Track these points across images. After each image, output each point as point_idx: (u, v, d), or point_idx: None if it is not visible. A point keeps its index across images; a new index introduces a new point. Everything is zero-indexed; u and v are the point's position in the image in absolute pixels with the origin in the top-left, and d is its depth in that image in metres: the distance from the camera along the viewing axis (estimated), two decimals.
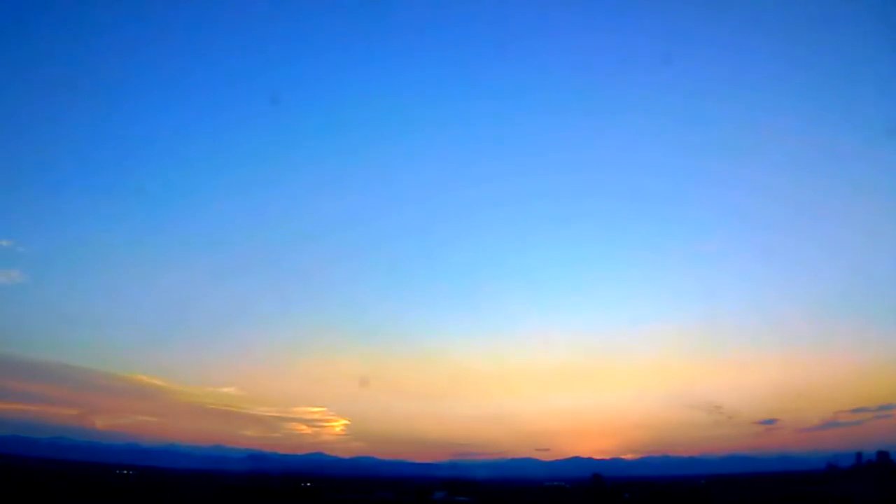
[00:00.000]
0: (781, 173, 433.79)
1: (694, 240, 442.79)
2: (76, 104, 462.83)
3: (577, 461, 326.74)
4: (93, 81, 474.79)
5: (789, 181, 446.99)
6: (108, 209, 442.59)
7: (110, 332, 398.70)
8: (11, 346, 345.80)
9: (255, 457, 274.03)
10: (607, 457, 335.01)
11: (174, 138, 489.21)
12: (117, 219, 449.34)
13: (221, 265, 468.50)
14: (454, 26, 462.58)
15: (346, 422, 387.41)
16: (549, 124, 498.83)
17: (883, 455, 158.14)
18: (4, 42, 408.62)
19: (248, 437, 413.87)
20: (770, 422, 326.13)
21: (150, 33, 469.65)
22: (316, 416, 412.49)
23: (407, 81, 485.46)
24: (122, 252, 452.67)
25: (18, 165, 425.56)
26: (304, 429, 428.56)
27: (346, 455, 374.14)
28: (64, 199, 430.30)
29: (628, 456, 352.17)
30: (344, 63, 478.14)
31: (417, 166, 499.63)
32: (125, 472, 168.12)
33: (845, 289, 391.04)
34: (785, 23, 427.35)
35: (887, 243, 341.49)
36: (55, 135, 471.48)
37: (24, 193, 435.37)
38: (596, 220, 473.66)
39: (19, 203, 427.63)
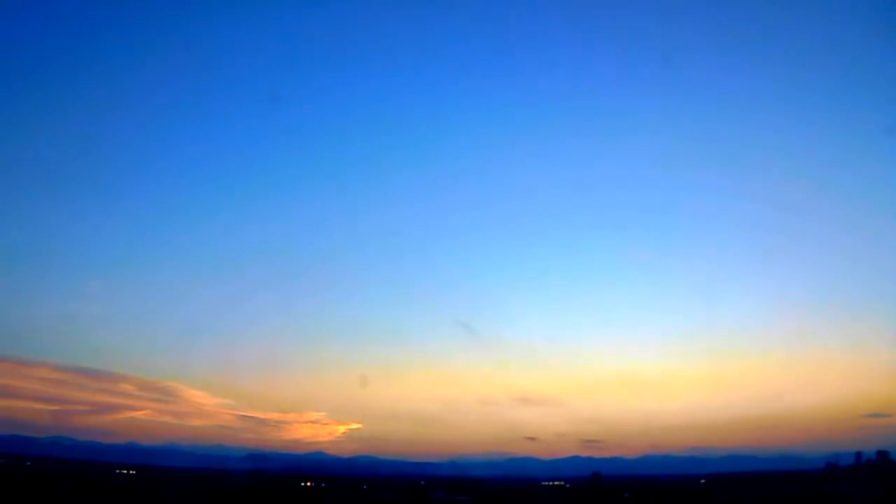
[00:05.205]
0: (783, 175, 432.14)
1: (693, 245, 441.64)
2: (74, 103, 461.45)
3: (576, 460, 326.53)
4: (94, 84, 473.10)
5: (791, 182, 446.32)
6: (106, 208, 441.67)
7: (110, 332, 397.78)
8: (14, 345, 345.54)
9: (255, 457, 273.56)
10: (607, 455, 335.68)
11: (177, 140, 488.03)
12: (116, 218, 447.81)
13: (226, 269, 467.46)
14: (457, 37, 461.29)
15: (347, 423, 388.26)
16: (554, 133, 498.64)
17: (883, 455, 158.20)
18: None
19: (248, 437, 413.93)
20: None
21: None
22: (316, 417, 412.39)
23: (407, 95, 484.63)
24: (119, 252, 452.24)
25: (17, 161, 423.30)
26: (304, 429, 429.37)
27: (346, 455, 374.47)
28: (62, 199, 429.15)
29: (628, 455, 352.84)
30: (351, 76, 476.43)
31: (419, 174, 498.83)
32: (125, 472, 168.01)
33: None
34: (784, 22, 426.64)
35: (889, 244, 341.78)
36: (53, 136, 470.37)
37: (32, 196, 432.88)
38: (593, 229, 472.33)
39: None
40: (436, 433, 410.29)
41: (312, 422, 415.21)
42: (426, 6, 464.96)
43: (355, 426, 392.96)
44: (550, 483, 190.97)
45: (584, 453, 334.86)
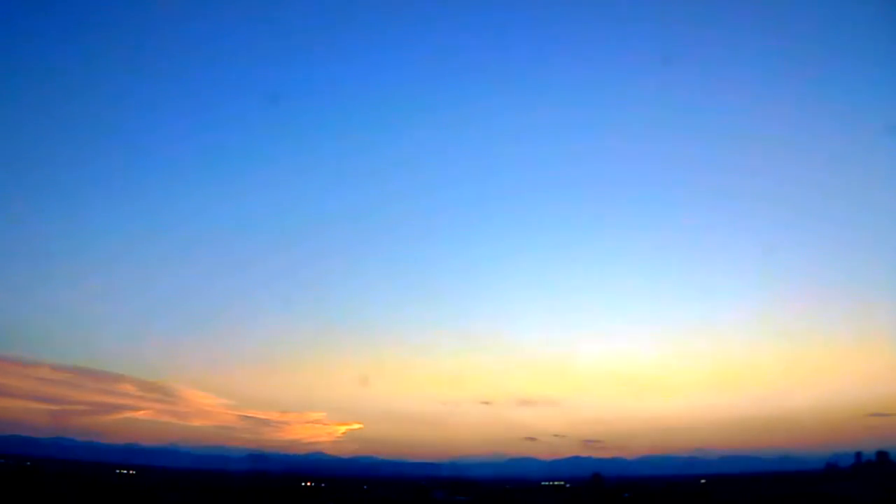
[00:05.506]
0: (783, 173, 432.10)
1: (694, 244, 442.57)
2: (73, 103, 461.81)
3: (576, 460, 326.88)
4: (87, 78, 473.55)
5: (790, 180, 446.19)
6: (106, 207, 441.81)
7: (109, 332, 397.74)
8: (14, 345, 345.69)
9: (255, 457, 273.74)
10: (607, 456, 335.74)
11: (173, 137, 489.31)
12: (115, 217, 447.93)
13: (222, 265, 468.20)
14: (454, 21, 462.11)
15: (348, 423, 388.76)
16: (554, 132, 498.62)
17: (882, 455, 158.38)
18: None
19: (248, 438, 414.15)
20: None
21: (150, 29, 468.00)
22: (316, 417, 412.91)
23: (406, 79, 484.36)
24: (118, 251, 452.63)
25: (15, 160, 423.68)
26: (304, 429, 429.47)
27: (346, 455, 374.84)
28: (63, 199, 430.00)
29: (628, 455, 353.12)
30: (342, 58, 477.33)
31: (420, 165, 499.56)
32: (125, 472, 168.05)
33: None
34: (784, 21, 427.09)
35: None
36: (53, 136, 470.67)
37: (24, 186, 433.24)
38: (593, 229, 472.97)
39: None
40: (436, 433, 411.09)
41: (312, 422, 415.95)
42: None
43: (355, 426, 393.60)
44: (550, 483, 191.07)
45: (584, 453, 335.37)
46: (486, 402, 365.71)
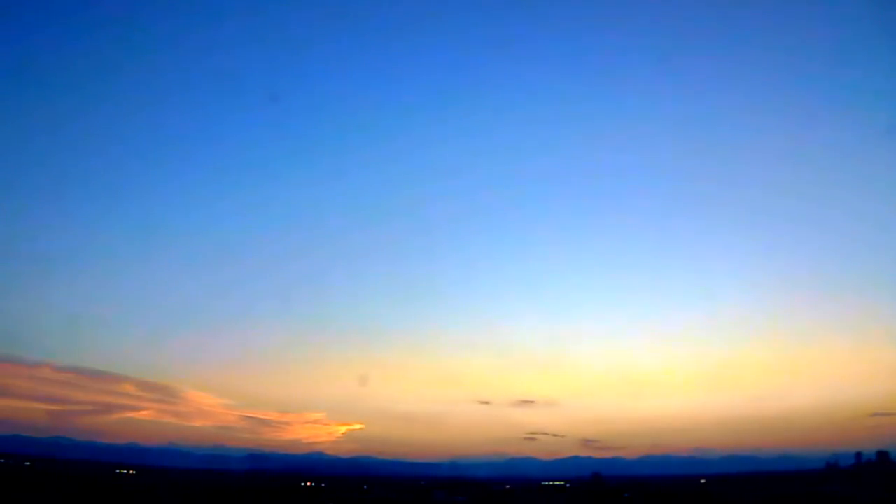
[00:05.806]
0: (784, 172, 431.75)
1: (694, 243, 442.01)
2: (73, 103, 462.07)
3: (576, 460, 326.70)
4: (88, 77, 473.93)
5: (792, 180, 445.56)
6: (106, 207, 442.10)
7: (109, 332, 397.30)
8: (15, 346, 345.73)
9: (255, 457, 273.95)
10: (607, 455, 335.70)
11: (174, 138, 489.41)
12: (114, 218, 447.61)
13: (222, 265, 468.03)
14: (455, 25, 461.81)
15: (348, 423, 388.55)
16: (555, 130, 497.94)
17: (883, 455, 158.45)
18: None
19: (248, 437, 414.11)
20: None
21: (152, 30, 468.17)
22: (316, 417, 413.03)
23: (407, 79, 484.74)
24: (118, 251, 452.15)
25: (15, 160, 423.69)
26: (304, 429, 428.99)
27: (346, 455, 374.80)
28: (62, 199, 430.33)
29: (628, 455, 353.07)
30: (343, 60, 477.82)
31: (420, 165, 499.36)
32: (125, 472, 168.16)
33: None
34: (784, 20, 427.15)
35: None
36: (53, 136, 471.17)
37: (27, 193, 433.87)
38: (593, 227, 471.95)
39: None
40: (436, 433, 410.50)
41: (312, 422, 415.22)
42: None
43: (355, 426, 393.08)
44: (550, 483, 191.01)
45: (584, 453, 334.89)
46: (486, 402, 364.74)
